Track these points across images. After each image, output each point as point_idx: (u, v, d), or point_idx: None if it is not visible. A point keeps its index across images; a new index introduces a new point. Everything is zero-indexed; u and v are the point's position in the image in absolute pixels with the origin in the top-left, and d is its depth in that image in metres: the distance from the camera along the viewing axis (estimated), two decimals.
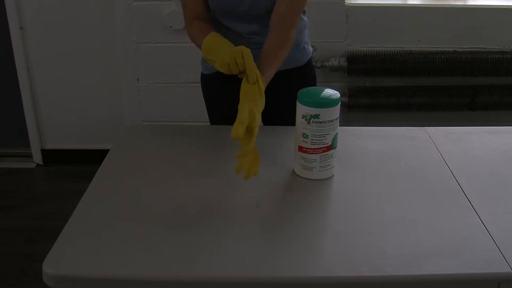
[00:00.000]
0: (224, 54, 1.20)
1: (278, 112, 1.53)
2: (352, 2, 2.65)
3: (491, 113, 2.80)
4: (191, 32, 1.41)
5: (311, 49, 1.58)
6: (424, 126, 1.44)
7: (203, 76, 1.61)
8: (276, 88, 1.42)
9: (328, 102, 1.12)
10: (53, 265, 0.91)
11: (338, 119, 1.15)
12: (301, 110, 1.13)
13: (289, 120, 1.24)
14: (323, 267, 0.93)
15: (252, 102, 1.15)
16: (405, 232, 1.01)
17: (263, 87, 1.20)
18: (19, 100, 2.81)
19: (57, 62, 2.74)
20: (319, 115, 1.11)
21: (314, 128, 1.13)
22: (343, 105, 2.62)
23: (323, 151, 1.15)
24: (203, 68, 1.60)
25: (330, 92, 1.16)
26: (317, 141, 1.14)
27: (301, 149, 1.16)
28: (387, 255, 0.94)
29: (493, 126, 1.48)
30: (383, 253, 0.95)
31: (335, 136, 1.15)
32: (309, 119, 1.12)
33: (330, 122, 1.13)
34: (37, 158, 2.95)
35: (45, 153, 2.94)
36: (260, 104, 1.18)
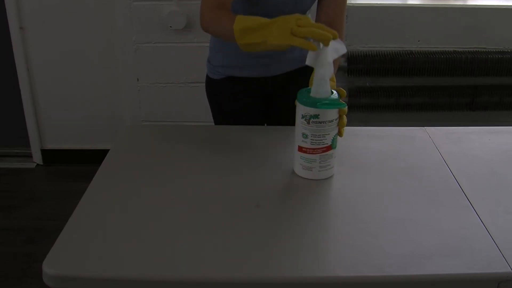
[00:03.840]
0: (278, 22, 1.06)
1: (289, 112, 1.54)
2: (352, 2, 2.64)
3: (491, 113, 2.80)
4: (213, 17, 1.25)
5: None
6: (424, 126, 1.44)
7: (210, 80, 1.56)
8: (288, 89, 1.41)
9: (328, 103, 1.12)
10: (53, 265, 0.91)
11: (338, 119, 1.15)
12: (301, 110, 1.13)
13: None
14: (323, 267, 0.93)
15: None
16: (405, 232, 1.01)
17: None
18: (19, 100, 2.81)
19: (57, 62, 2.74)
20: (318, 115, 1.11)
21: (314, 128, 1.12)
22: None
23: (323, 151, 1.15)
24: (211, 72, 1.55)
25: None
26: (316, 141, 1.14)
27: (301, 149, 1.16)
28: (387, 255, 0.94)
29: (493, 126, 1.48)
30: (383, 253, 0.95)
31: (334, 136, 1.15)
32: (309, 119, 1.12)
33: (330, 122, 1.12)
34: (37, 158, 2.95)
35: (45, 153, 2.95)
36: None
